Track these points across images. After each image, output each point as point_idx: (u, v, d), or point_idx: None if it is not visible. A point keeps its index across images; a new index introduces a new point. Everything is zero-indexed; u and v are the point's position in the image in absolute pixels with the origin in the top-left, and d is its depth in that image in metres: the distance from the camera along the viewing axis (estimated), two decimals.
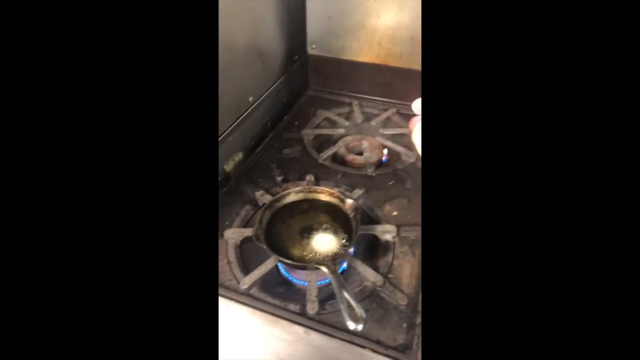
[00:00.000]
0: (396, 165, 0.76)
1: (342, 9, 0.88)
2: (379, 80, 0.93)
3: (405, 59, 0.89)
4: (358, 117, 0.89)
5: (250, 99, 0.79)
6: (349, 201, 0.60)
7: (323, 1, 0.89)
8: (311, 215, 0.61)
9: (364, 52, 0.92)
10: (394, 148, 0.80)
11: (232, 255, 0.57)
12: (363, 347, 0.46)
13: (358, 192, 0.67)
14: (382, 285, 0.53)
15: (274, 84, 0.86)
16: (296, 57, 0.94)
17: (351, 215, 0.58)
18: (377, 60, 0.92)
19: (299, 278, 0.56)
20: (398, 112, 0.90)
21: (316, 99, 0.97)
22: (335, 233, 0.58)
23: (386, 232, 0.60)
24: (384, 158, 0.80)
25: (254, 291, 0.53)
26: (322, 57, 0.96)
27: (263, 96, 0.82)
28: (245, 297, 0.52)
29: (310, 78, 1.00)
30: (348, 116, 0.91)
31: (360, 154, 0.79)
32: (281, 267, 0.58)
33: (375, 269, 0.55)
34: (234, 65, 0.71)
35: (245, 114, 0.77)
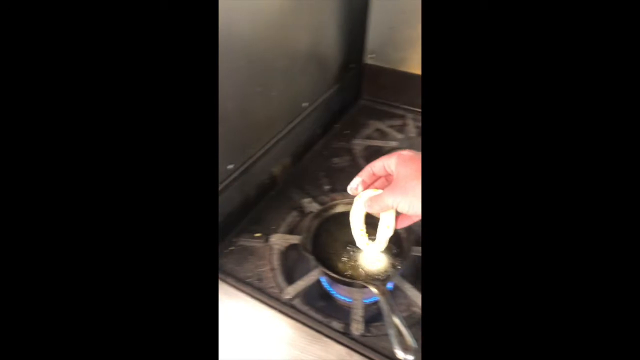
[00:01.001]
0: None
1: (406, 20, 0.86)
2: None
3: None
4: (411, 130, 0.86)
5: (304, 104, 0.78)
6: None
7: (387, 10, 0.87)
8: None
9: None
10: None
11: (276, 262, 0.56)
12: None
13: None
14: None
15: (327, 91, 0.85)
16: (352, 65, 0.92)
17: (403, 235, 0.55)
18: None
19: (342, 293, 0.53)
20: None
21: (368, 109, 0.94)
22: (386, 251, 0.55)
23: None
24: None
25: (297, 302, 0.51)
26: (379, 67, 0.94)
27: (316, 103, 0.81)
28: (288, 308, 0.50)
29: (364, 87, 0.98)
30: (401, 129, 0.88)
31: None
32: (323, 280, 0.56)
33: None
34: (293, 70, 0.70)
35: (298, 119, 0.77)
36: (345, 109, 0.93)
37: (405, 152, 0.41)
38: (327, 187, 0.69)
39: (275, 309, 0.49)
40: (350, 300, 0.51)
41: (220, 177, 0.60)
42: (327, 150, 0.80)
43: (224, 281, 0.53)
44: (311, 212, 0.63)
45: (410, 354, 0.42)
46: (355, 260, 0.54)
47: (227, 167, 0.60)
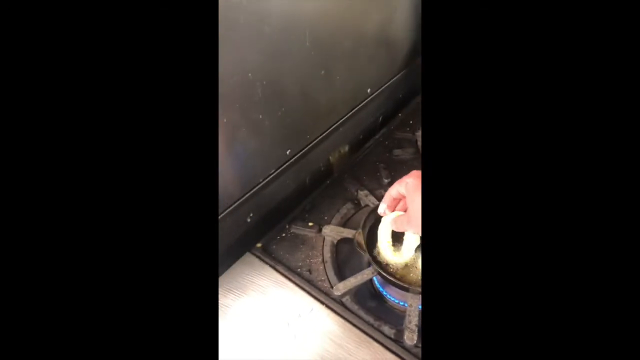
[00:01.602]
0: None
1: None
2: None
3: None
4: None
5: (369, 90, 0.73)
6: None
7: None
8: None
9: None
10: None
11: (327, 254, 0.54)
12: None
13: None
14: None
15: (394, 77, 0.80)
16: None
17: None
18: None
19: (396, 297, 0.50)
20: None
21: None
22: None
23: None
24: None
25: (347, 300, 0.48)
26: None
27: (381, 89, 0.77)
28: (337, 305, 0.47)
29: None
30: None
31: None
32: (376, 280, 0.52)
33: None
34: (359, 53, 0.66)
35: (360, 105, 0.73)
36: (411, 98, 0.87)
37: (410, 180, 0.45)
38: (386, 181, 0.65)
39: (324, 304, 0.47)
40: (404, 304, 0.47)
41: (278, 162, 0.58)
42: (389, 140, 0.76)
43: (274, 268, 0.52)
44: (367, 205, 0.60)
45: None
46: (413, 263, 0.50)
47: (285, 152, 0.58)
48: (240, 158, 0.50)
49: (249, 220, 0.56)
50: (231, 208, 0.52)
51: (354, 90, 0.71)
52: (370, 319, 0.46)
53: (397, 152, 0.72)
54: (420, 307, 0.46)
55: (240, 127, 0.48)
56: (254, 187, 0.55)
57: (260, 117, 0.50)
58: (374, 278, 0.51)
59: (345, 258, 0.55)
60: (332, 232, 0.56)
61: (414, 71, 0.85)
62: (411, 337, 0.43)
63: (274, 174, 0.58)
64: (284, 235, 0.57)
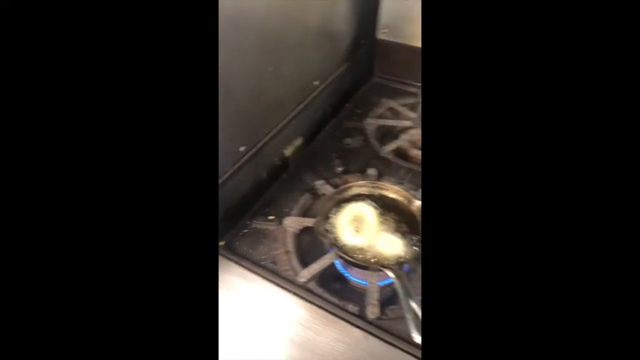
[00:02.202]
0: None
1: None
2: None
3: None
4: None
5: (316, 82, 0.76)
6: (418, 202, 0.56)
7: None
8: (375, 212, 0.58)
9: None
10: None
11: (290, 245, 0.56)
12: None
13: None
14: None
15: (339, 69, 0.83)
16: (364, 41, 0.89)
17: (419, 218, 0.55)
18: None
19: (357, 276, 0.54)
20: None
21: (381, 87, 0.92)
22: (401, 234, 0.54)
23: None
24: None
25: (312, 285, 0.51)
26: (391, 42, 0.90)
27: (327, 81, 0.79)
28: (303, 291, 0.50)
29: (376, 64, 0.95)
30: (414, 107, 0.85)
31: None
32: (338, 263, 0.56)
33: None
34: (304, 45, 0.68)
35: (309, 98, 0.75)
36: (357, 87, 0.91)
37: None
38: (339, 169, 0.68)
39: (290, 291, 0.50)
40: (365, 283, 0.51)
41: (233, 159, 0.59)
42: (339, 130, 0.79)
43: (239, 264, 0.53)
44: (324, 194, 0.62)
45: None
46: (370, 244, 0.53)
47: (239, 149, 0.59)
48: None
49: None
50: None
51: (302, 84, 0.72)
52: (335, 300, 0.49)
53: (347, 141, 0.75)
54: (380, 283, 0.50)
55: None
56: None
57: None
58: (336, 262, 0.54)
59: (308, 246, 0.57)
60: (292, 223, 0.58)
61: (358, 62, 0.89)
62: (373, 312, 0.47)
63: (230, 171, 0.58)
64: (246, 231, 0.58)
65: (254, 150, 0.62)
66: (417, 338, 0.42)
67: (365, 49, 0.91)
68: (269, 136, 0.65)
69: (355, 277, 0.54)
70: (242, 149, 0.60)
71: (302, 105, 0.72)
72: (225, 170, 0.57)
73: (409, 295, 0.45)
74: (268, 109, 0.64)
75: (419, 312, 0.44)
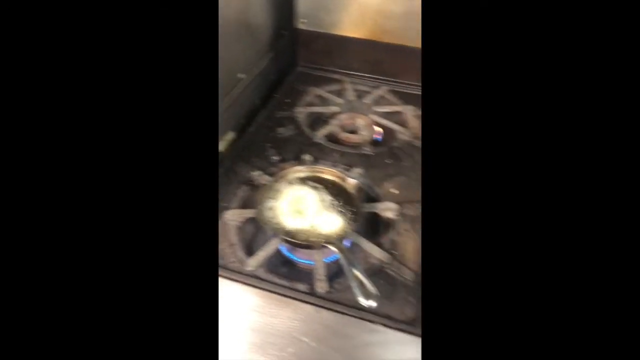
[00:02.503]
0: (392, 143, 0.76)
1: None
2: (371, 56, 0.91)
3: (397, 35, 0.87)
4: (350, 94, 0.88)
5: (240, 75, 0.75)
6: (351, 180, 0.60)
7: None
8: (313, 194, 0.60)
9: (356, 27, 0.89)
10: (388, 126, 0.80)
11: (234, 238, 0.56)
12: (374, 322, 0.47)
13: (357, 170, 0.67)
14: (388, 262, 0.53)
15: (262, 60, 0.83)
16: (284, 32, 0.90)
17: (354, 194, 0.58)
18: (369, 36, 0.89)
19: (303, 257, 0.55)
20: (391, 90, 0.89)
21: (306, 76, 0.94)
22: (339, 212, 0.57)
23: (388, 210, 0.60)
24: (378, 137, 0.79)
25: (260, 272, 0.52)
26: (311, 32, 0.93)
27: (252, 73, 0.79)
28: (252, 279, 0.51)
29: (299, 54, 0.96)
30: (340, 93, 0.89)
31: (354, 132, 0.78)
32: (283, 248, 0.57)
33: (379, 245, 0.55)
34: (224, 39, 0.66)
35: (235, 91, 0.74)
36: (283, 78, 0.92)
37: None
38: (275, 158, 0.69)
39: (239, 282, 0.50)
40: (311, 262, 0.53)
41: None
42: (271, 121, 0.79)
43: None
44: (262, 184, 0.63)
45: (372, 300, 0.45)
46: (311, 225, 0.55)
47: None
48: None
49: None
50: None
51: (226, 77, 0.71)
52: (285, 282, 0.51)
53: (280, 130, 0.76)
54: (325, 259, 0.53)
55: None
56: None
57: None
58: (281, 247, 0.56)
59: (252, 237, 0.58)
60: (233, 216, 0.58)
61: (281, 53, 0.90)
62: (321, 286, 0.50)
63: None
64: None
65: None
66: (363, 302, 0.45)
67: (287, 40, 0.92)
68: None
69: (301, 258, 0.55)
70: None
71: (229, 99, 0.72)
72: None
73: (352, 265, 0.48)
74: None
75: (363, 279, 0.47)
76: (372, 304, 0.45)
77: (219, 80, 0.68)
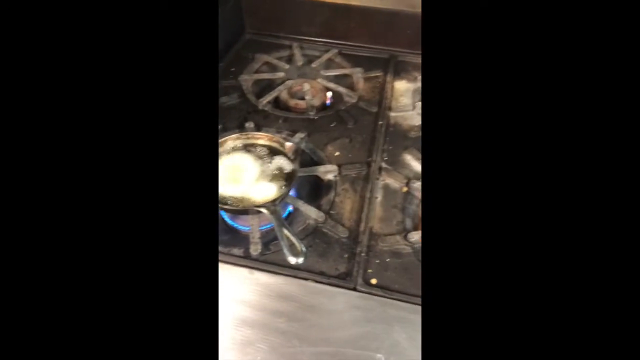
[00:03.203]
0: (339, 106, 0.75)
1: None
2: (319, 19, 0.89)
3: None
4: (299, 59, 0.86)
5: None
6: (288, 144, 0.59)
7: None
8: (250, 161, 0.60)
9: None
10: (336, 89, 0.79)
11: None
12: (306, 279, 0.48)
13: (299, 135, 0.67)
14: (323, 222, 0.54)
15: None
16: None
17: (291, 158, 0.58)
18: None
19: (242, 224, 0.56)
20: (340, 53, 0.88)
21: (254, 43, 0.91)
22: (276, 177, 0.57)
23: (328, 172, 0.61)
24: (327, 101, 0.79)
25: None
26: None
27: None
28: None
29: (246, 21, 0.93)
30: (289, 59, 0.87)
31: (303, 98, 0.77)
32: (225, 215, 0.57)
33: (318, 207, 0.56)
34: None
35: None
36: (230, 46, 0.89)
37: None
38: (219, 126, 0.68)
39: None
40: (247, 228, 0.54)
41: None
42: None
43: None
44: None
45: (301, 257, 0.47)
46: (248, 191, 0.56)
47: None
48: None
49: None
50: None
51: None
52: (221, 248, 0.51)
53: (224, 99, 0.75)
54: (261, 227, 0.53)
55: None
56: None
57: None
58: (222, 213, 0.56)
59: None
60: None
61: (227, 20, 0.87)
62: (256, 249, 0.51)
63: None
64: None
65: None
66: (292, 260, 0.46)
67: (233, 6, 0.89)
68: None
69: (240, 225, 0.56)
70: None
71: None
72: None
73: (282, 225, 0.49)
74: None
75: (293, 239, 0.48)
76: (300, 260, 0.46)
77: None
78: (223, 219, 0.58)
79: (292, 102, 0.77)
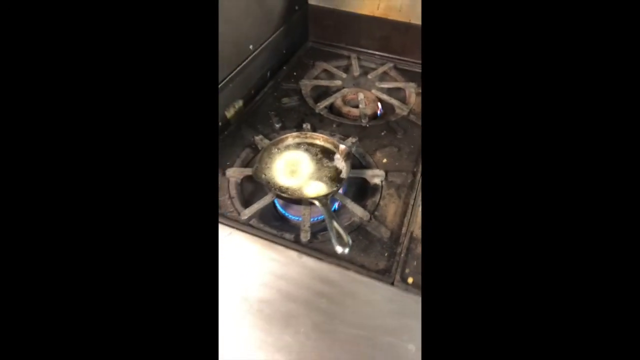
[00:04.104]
0: (389, 117, 0.80)
1: None
2: (378, 34, 0.94)
3: (404, 12, 0.90)
4: (356, 70, 0.92)
5: (251, 46, 0.80)
6: (342, 146, 0.65)
7: None
8: (306, 158, 0.66)
9: (364, 4, 0.92)
10: (388, 101, 0.84)
11: (233, 191, 0.63)
12: (348, 269, 0.53)
13: (351, 140, 0.72)
14: (368, 221, 0.59)
15: (273, 34, 0.88)
16: (297, 8, 0.94)
17: (343, 159, 0.63)
18: (377, 13, 0.92)
19: (294, 214, 0.62)
20: (395, 67, 0.92)
21: (315, 51, 0.98)
22: (328, 175, 0.63)
23: (375, 176, 0.65)
24: (378, 112, 0.84)
25: (254, 222, 0.59)
26: (322, 8, 0.96)
27: (263, 45, 0.84)
28: (246, 227, 0.58)
29: (310, 30, 1.00)
30: (346, 69, 0.93)
31: (356, 106, 0.82)
32: (278, 204, 0.64)
33: (364, 207, 0.61)
34: (234, 9, 0.72)
35: (246, 62, 0.80)
36: (293, 52, 0.97)
37: None
38: (277, 125, 0.75)
39: (234, 227, 0.57)
40: (299, 218, 0.60)
41: None
42: (277, 91, 0.85)
43: None
44: (263, 147, 0.69)
45: (347, 248, 0.51)
46: (302, 184, 0.61)
47: None
48: None
49: None
50: None
51: (237, 47, 0.77)
52: (274, 231, 0.57)
53: (285, 100, 0.82)
54: (312, 219, 0.59)
55: None
56: None
57: None
58: (275, 202, 0.62)
59: (250, 192, 0.65)
60: (234, 173, 0.65)
61: (292, 28, 0.94)
62: (305, 236, 0.56)
63: None
64: None
65: None
66: (338, 249, 0.51)
67: (299, 15, 0.96)
68: None
69: (292, 215, 0.62)
70: None
71: (238, 68, 0.78)
72: None
73: (332, 217, 0.54)
74: None
75: (340, 230, 0.53)
76: (345, 250, 0.51)
77: (231, 50, 0.74)
78: (277, 207, 0.64)
79: (346, 109, 0.82)
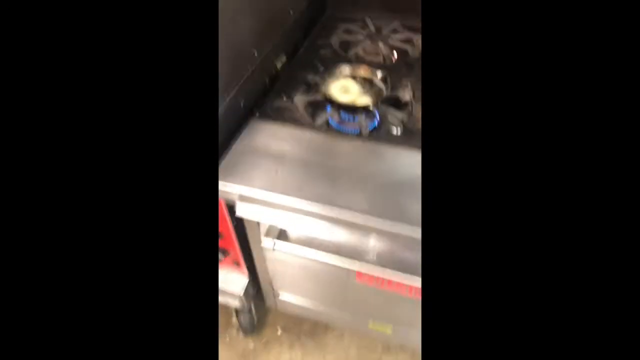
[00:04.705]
0: (405, 58, 1.01)
1: None
2: None
3: None
4: (371, 28, 1.13)
5: (291, 12, 1.01)
6: (379, 73, 0.86)
7: None
8: (353, 82, 0.87)
9: None
10: (402, 47, 1.05)
11: (301, 110, 0.83)
12: (401, 146, 0.74)
13: (381, 72, 0.93)
14: (406, 120, 0.80)
15: (302, 4, 1.09)
16: None
17: (381, 83, 0.85)
18: None
19: (352, 128, 0.82)
20: (402, 24, 1.14)
21: (335, 18, 1.19)
22: (372, 93, 0.84)
23: (405, 94, 0.87)
24: (395, 56, 1.05)
25: (322, 128, 0.79)
26: None
27: (298, 11, 1.05)
28: (317, 129, 0.78)
29: (328, 2, 1.22)
30: (363, 27, 1.14)
31: (377, 53, 1.03)
32: (333, 123, 0.84)
33: (401, 111, 0.82)
34: None
35: (287, 25, 1.00)
36: (317, 18, 1.18)
37: None
38: (321, 68, 0.96)
39: (307, 129, 0.78)
40: (356, 130, 0.80)
41: (250, 62, 0.84)
42: (313, 46, 1.06)
43: (272, 124, 0.80)
44: (316, 83, 0.90)
45: (400, 127, 0.72)
46: (354, 99, 0.82)
47: (254, 54, 0.84)
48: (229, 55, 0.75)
49: (242, 104, 0.82)
50: (230, 97, 0.77)
51: (281, 14, 0.98)
52: (340, 129, 0.78)
53: (322, 51, 1.03)
54: (369, 126, 0.80)
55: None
56: (241, 78, 0.81)
57: None
58: (330, 120, 0.83)
59: (313, 110, 0.86)
60: (300, 98, 0.85)
61: (311, 3, 1.15)
62: (365, 132, 0.77)
63: (249, 71, 0.83)
64: (270, 108, 0.85)
65: (261, 57, 0.87)
66: (394, 130, 0.72)
67: None
68: (263, 55, 0.90)
69: (348, 129, 0.83)
70: (255, 54, 0.85)
71: (282, 30, 0.98)
72: (247, 69, 0.83)
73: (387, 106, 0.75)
74: (260, 35, 0.89)
75: (396, 114, 0.74)
76: (399, 132, 0.72)
77: (275, 15, 0.95)
78: (332, 127, 0.84)
79: (368, 58, 1.03)
